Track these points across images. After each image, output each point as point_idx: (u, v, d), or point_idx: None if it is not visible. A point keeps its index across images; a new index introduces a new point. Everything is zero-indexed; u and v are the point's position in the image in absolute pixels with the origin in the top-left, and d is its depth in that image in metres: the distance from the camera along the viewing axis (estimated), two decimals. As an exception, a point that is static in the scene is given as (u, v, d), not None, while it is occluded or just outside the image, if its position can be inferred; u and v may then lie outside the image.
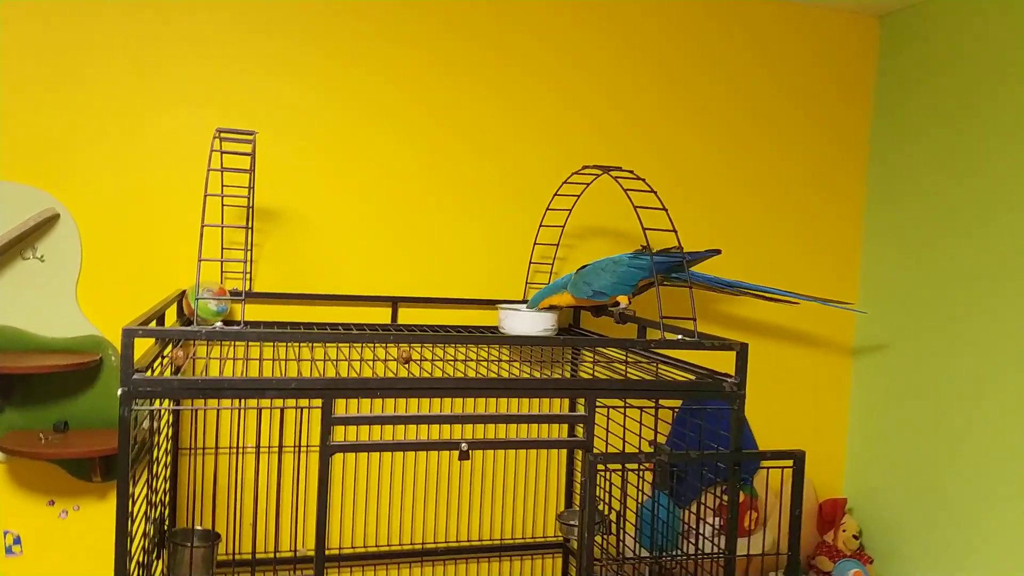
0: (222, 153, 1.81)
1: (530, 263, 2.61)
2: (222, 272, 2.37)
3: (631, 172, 2.03)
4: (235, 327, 1.50)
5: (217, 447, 2.14)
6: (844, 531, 2.95)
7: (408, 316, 2.54)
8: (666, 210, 1.93)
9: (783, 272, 2.98)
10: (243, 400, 1.49)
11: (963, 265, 2.70)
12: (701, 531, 2.12)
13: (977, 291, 2.63)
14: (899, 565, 2.90)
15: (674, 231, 1.93)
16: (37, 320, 2.23)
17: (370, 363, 2.28)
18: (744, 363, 1.78)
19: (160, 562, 2.03)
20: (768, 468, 1.85)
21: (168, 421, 2.19)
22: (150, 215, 2.33)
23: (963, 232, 2.69)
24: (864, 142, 3.07)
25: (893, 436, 2.95)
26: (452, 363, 2.28)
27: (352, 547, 2.49)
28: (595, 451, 1.73)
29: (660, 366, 2.04)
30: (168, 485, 2.20)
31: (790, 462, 1.77)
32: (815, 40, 2.96)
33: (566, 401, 2.60)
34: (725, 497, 1.86)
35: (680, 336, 1.85)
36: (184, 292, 2.23)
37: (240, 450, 2.21)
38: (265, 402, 1.48)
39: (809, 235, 3.02)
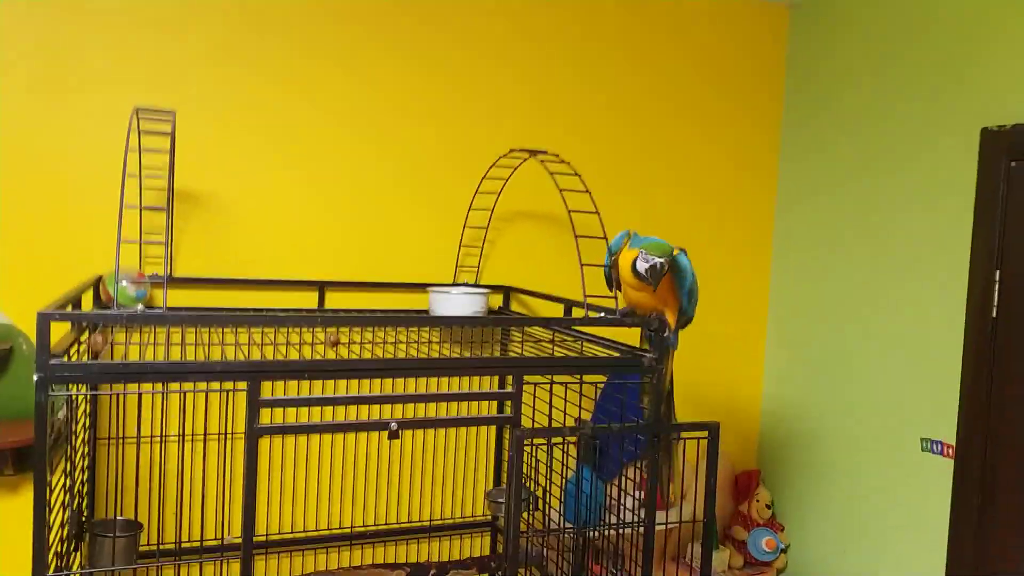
0: (140, 133, 1.77)
1: (460, 246, 2.63)
2: (141, 257, 2.30)
3: (556, 156, 2.08)
4: (157, 311, 1.48)
5: (139, 435, 2.10)
6: (758, 501, 3.12)
7: (336, 301, 2.53)
8: (589, 192, 1.99)
9: (698, 249, 3.10)
10: (166, 384, 1.47)
11: (867, 258, 2.87)
12: (623, 502, 2.20)
13: (882, 275, 2.81)
14: (806, 531, 3.08)
15: (596, 213, 1.99)
16: (-60, 308, 2.13)
17: (297, 347, 2.26)
18: (662, 337, 1.86)
19: (79, 554, 1.98)
20: (686, 439, 1.94)
21: (85, 411, 2.12)
22: (63, 200, 2.25)
23: (871, 243, 2.86)
24: (777, 122, 3.23)
25: (801, 412, 3.12)
26: (382, 345, 2.29)
27: (279, 533, 2.47)
28: (522, 428, 1.79)
29: (585, 344, 2.10)
30: (86, 476, 2.14)
31: (705, 433, 1.86)
32: (729, 29, 3.09)
33: (496, 382, 2.64)
34: (647, 472, 1.94)
35: (603, 313, 1.91)
36: (101, 278, 2.17)
37: (163, 437, 2.17)
38: (188, 385, 1.47)
39: (725, 215, 3.15)
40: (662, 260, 1.89)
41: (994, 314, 2.45)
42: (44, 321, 1.38)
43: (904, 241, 2.73)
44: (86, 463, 2.13)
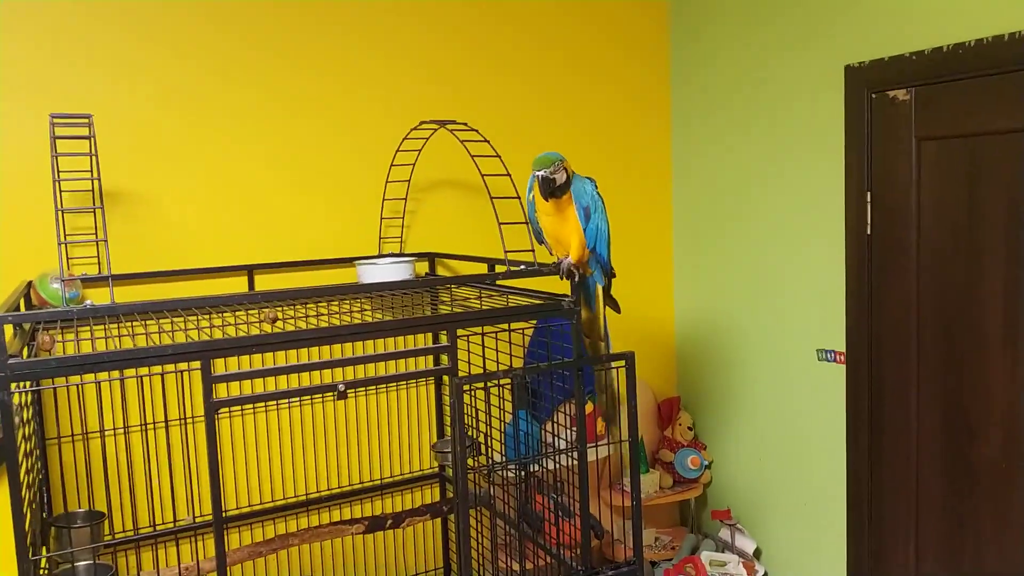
0: (56, 139, 1.81)
1: (381, 219, 2.75)
2: (68, 259, 2.33)
3: (465, 124, 2.23)
4: (105, 305, 1.57)
5: (103, 428, 2.16)
6: (680, 424, 3.40)
7: (265, 283, 2.62)
8: (499, 156, 2.14)
9: (604, 187, 3.29)
10: (122, 372, 1.56)
11: (757, 189, 3.14)
12: (558, 435, 2.41)
13: (772, 205, 3.08)
14: (725, 446, 3.39)
15: (508, 175, 2.15)
16: None
17: (234, 327, 2.35)
18: (574, 283, 2.05)
19: (45, 548, 2.05)
20: (607, 371, 2.15)
21: (29, 412, 2.17)
22: (-23, 208, 2.26)
23: (760, 175, 3.12)
24: (666, 74, 3.44)
25: (711, 337, 3.41)
26: (316, 318, 2.40)
27: (237, 508, 2.58)
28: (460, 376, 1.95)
29: (510, 296, 2.27)
30: (41, 475, 2.20)
31: (623, 362, 2.08)
32: (614, 11, 3.27)
33: (430, 342, 2.80)
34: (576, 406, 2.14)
35: (523, 266, 2.09)
36: (31, 283, 2.20)
37: (126, 428, 2.24)
38: (144, 370, 1.57)
39: (626, 156, 3.36)
40: (549, 168, 1.98)
41: (868, 232, 2.75)
42: (-1, 324, 1.45)
43: (789, 171, 3.00)
44: (39, 463, 2.19)
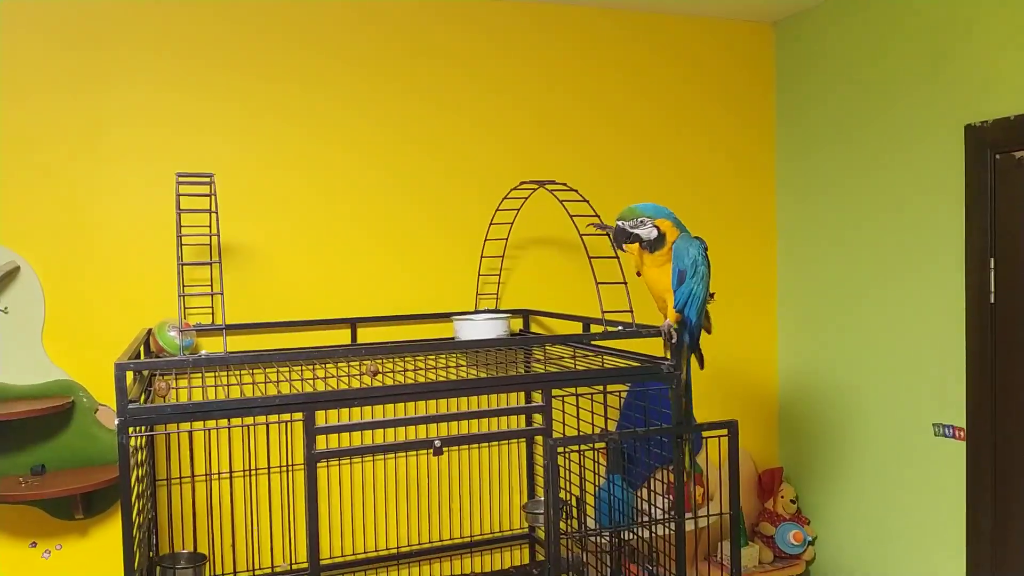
0: (180, 196, 1.93)
1: (479, 275, 2.79)
2: (184, 308, 2.46)
3: (564, 184, 2.24)
4: (218, 354, 1.63)
5: (209, 472, 2.26)
6: (782, 497, 3.22)
7: (366, 336, 2.68)
8: (598, 216, 2.14)
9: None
10: (230, 420, 1.61)
11: (869, 253, 3.01)
12: (654, 503, 2.32)
13: (884, 269, 2.94)
14: (831, 522, 3.18)
15: (607, 234, 2.14)
16: (6, 370, 2.29)
17: (336, 379, 2.41)
18: (679, 346, 1.99)
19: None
20: (707, 439, 2.07)
21: (143, 455, 2.27)
22: (107, 261, 2.43)
23: (871, 238, 2.99)
24: (771, 130, 3.37)
25: (817, 407, 3.24)
26: (413, 372, 2.44)
27: (331, 557, 2.60)
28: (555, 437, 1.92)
29: (605, 357, 2.24)
30: (151, 516, 2.28)
31: (725, 431, 1.99)
32: (721, 48, 3.25)
33: (521, 400, 2.78)
34: (673, 476, 2.06)
35: (620, 327, 2.05)
36: (150, 330, 2.32)
37: (230, 474, 2.32)
38: (250, 419, 1.62)
39: (729, 219, 3.28)
40: (630, 221, 1.95)
41: (992, 300, 2.57)
42: (121, 371, 1.53)
43: (903, 235, 2.86)
44: (150, 504, 2.28)
